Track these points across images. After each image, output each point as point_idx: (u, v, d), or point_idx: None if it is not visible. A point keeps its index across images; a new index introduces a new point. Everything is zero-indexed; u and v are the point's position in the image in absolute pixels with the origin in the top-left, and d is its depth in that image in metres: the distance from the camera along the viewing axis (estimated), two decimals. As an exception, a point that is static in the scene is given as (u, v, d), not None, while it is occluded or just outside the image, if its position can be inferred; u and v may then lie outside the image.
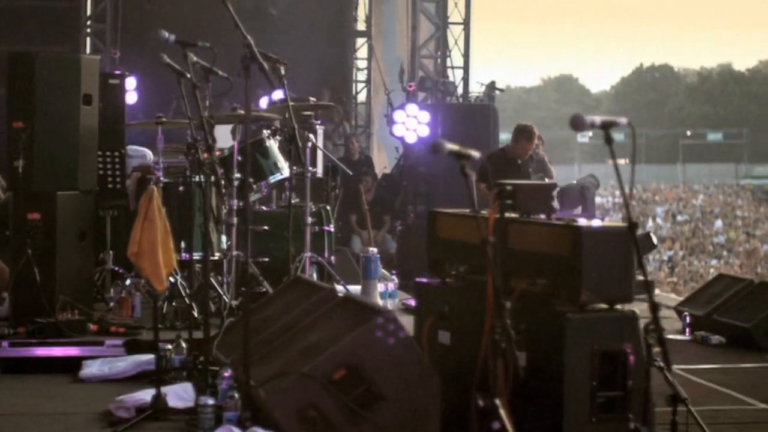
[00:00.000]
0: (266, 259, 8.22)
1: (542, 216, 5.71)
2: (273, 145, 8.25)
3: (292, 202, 8.69)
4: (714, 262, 33.41)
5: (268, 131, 8.23)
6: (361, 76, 21.10)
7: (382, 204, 15.07)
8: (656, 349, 5.46)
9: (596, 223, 5.41)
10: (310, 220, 7.95)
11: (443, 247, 6.30)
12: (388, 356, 5.33)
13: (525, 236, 5.61)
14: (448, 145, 4.27)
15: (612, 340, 5.25)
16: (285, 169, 8.22)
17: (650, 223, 44.40)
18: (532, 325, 5.39)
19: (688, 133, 73.04)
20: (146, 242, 6.05)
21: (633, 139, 3.96)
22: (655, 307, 4.19)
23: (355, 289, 8.40)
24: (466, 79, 17.96)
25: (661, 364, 5.60)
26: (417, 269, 10.28)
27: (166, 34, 6.24)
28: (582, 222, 5.38)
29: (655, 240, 15.98)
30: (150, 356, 6.86)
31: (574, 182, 15.46)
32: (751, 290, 11.63)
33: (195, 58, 6.08)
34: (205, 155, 5.86)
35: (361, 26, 20.98)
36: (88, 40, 17.15)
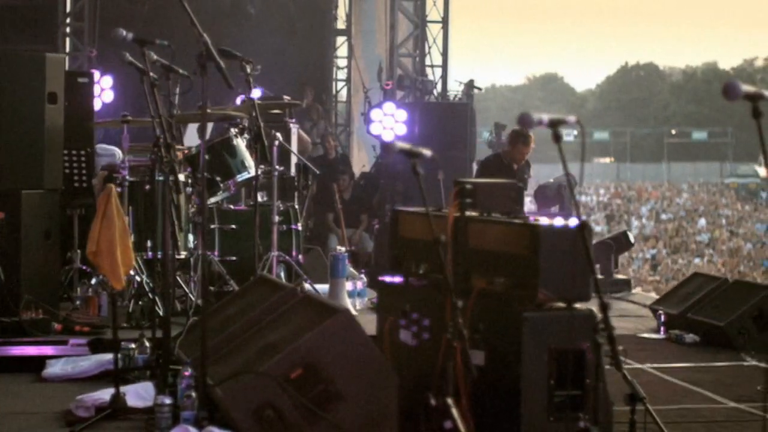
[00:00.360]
0: (234, 258, 8.20)
1: (503, 214, 5.68)
2: (240, 143, 8.22)
3: (263, 200, 8.69)
4: (697, 260, 33.46)
5: (236, 130, 8.20)
6: (342, 74, 21.08)
7: (360, 202, 15.05)
8: (620, 348, 5.45)
9: (555, 222, 5.39)
10: (277, 218, 7.92)
11: (405, 245, 6.28)
12: (346, 355, 5.31)
13: (485, 235, 5.59)
14: (399, 144, 4.25)
15: (569, 339, 5.23)
16: (252, 168, 8.19)
17: (635, 221, 44.48)
18: (490, 325, 5.37)
19: (673, 131, 73.16)
20: (104, 241, 6.03)
21: (583, 138, 3.93)
22: (604, 307, 4.16)
23: (323, 287, 8.38)
24: (444, 78, 17.96)
25: (620, 362, 5.60)
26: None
27: (123, 33, 6.22)
28: (540, 221, 5.36)
29: (631, 238, 16.00)
30: (110, 356, 6.82)
31: (551, 180, 15.47)
32: (725, 289, 11.64)
33: (155, 57, 6.05)
34: (165, 154, 5.82)
35: (341, 25, 20.95)
36: (68, 39, 17.10)
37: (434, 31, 17.91)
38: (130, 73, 9.40)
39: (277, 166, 8.03)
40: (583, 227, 4.33)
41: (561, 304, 5.34)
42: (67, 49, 16.85)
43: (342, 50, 20.96)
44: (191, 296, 7.65)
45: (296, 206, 8.56)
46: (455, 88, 17.63)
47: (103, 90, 14.70)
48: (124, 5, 17.17)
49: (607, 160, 71.13)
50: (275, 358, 5.29)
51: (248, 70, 7.45)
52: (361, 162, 18.77)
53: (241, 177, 8.14)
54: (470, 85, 17.53)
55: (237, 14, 17.52)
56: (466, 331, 4.48)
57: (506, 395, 5.27)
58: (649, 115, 75.70)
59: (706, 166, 66.77)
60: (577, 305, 5.34)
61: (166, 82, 6.11)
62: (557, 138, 3.93)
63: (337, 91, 20.93)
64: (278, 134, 8.21)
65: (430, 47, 17.89)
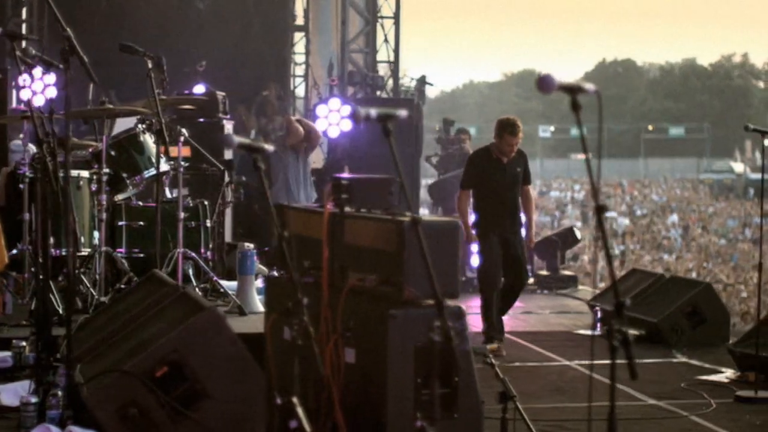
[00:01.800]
0: (141, 255, 8.13)
1: (380, 210, 5.62)
2: (148, 139, 8.14)
3: (174, 197, 8.66)
4: (665, 257, 33.45)
5: (143, 126, 8.12)
6: (299, 71, 21.02)
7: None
8: (494, 346, 5.40)
9: (422, 217, 5.31)
10: (183, 215, 7.84)
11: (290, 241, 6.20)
12: (212, 354, 5.26)
13: (359, 231, 5.53)
14: (237, 139, 4.17)
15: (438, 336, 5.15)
16: (161, 164, 8.11)
17: (608, 217, 44.48)
18: (360, 322, 5.31)
19: (650, 127, 73.28)
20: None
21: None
22: (441, 308, 4.09)
23: (232, 285, 8.31)
24: (396, 73, 17.88)
25: (493, 361, 5.57)
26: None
27: (-6, 27, 6.14)
28: (406, 217, 5.29)
29: (578, 234, 15.98)
30: (5, 353, 6.76)
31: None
32: (661, 285, 11.64)
33: (33, 51, 5.98)
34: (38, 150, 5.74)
35: (299, 21, 20.90)
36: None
37: (386, 27, 17.86)
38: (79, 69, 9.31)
39: (182, 163, 7.93)
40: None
41: (430, 302, 5.27)
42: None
43: (300, 46, 20.92)
44: (93, 293, 7.57)
45: (206, 202, 8.46)
46: (407, 84, 17.59)
47: (47, 86, 14.59)
48: (86, 8, 17.03)
49: (580, 156, 71.13)
50: (140, 356, 5.22)
51: (149, 65, 7.34)
52: (317, 159, 18.71)
53: (149, 173, 8.06)
54: (422, 81, 17.47)
55: (185, 10, 17.39)
56: (311, 330, 4.39)
57: (374, 394, 5.21)
58: (626, 111, 75.78)
59: (683, 162, 66.89)
60: (447, 302, 5.27)
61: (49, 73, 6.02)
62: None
63: (294, 87, 20.86)
64: (183, 130, 8.11)
65: (389, 43, 17.83)
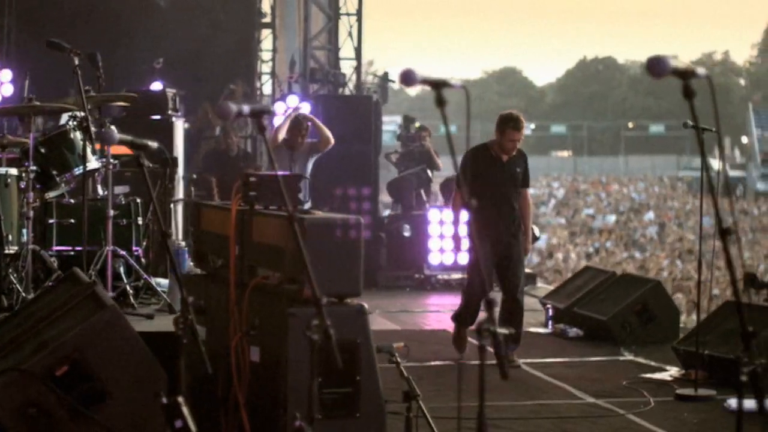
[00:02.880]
0: (71, 253, 8.07)
1: (284, 208, 5.57)
2: (78, 136, 8.07)
3: (122, 193, 8.59)
4: (638, 254, 33.49)
5: (74, 123, 8.05)
6: (266, 68, 20.96)
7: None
8: (399, 344, 5.37)
9: (323, 215, 5.29)
10: (113, 212, 7.79)
11: (205, 239, 6.19)
12: (113, 352, 5.21)
13: (265, 229, 5.50)
14: (117, 135, 4.13)
15: (339, 335, 5.11)
16: (92, 161, 8.05)
17: (585, 214, 44.57)
18: (264, 321, 5.27)
19: (631, 125, 73.41)
20: None
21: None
22: (318, 305, 4.04)
23: (165, 282, 8.26)
24: (358, 71, 17.85)
25: (399, 359, 5.53)
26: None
27: None
28: (312, 214, 5.26)
29: (537, 232, 15.92)
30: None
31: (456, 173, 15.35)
32: (612, 283, 11.62)
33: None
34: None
35: (266, 18, 20.84)
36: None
37: (350, 23, 17.82)
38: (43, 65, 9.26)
39: (113, 161, 7.86)
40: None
41: (333, 300, 5.24)
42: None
43: (267, 43, 20.85)
44: (20, 291, 7.51)
45: (138, 200, 8.40)
46: (369, 81, 17.55)
47: (2, 84, 14.60)
48: (47, 7, 16.93)
49: (565, 153, 71.35)
50: (40, 355, 5.18)
51: (76, 62, 7.28)
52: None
53: (79, 170, 8.00)
54: (385, 78, 17.46)
55: (146, 7, 17.31)
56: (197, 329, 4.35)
57: (276, 393, 5.17)
58: (607, 108, 75.92)
59: (664, 160, 67.03)
60: (349, 300, 5.25)
61: None
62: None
63: (261, 84, 20.79)
64: (113, 127, 8.04)
65: (352, 40, 17.81)
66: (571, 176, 60.33)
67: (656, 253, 34.17)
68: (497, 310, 8.51)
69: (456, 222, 9.60)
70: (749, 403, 8.22)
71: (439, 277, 14.68)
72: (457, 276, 14.80)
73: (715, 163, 58.58)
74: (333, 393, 5.12)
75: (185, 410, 4.26)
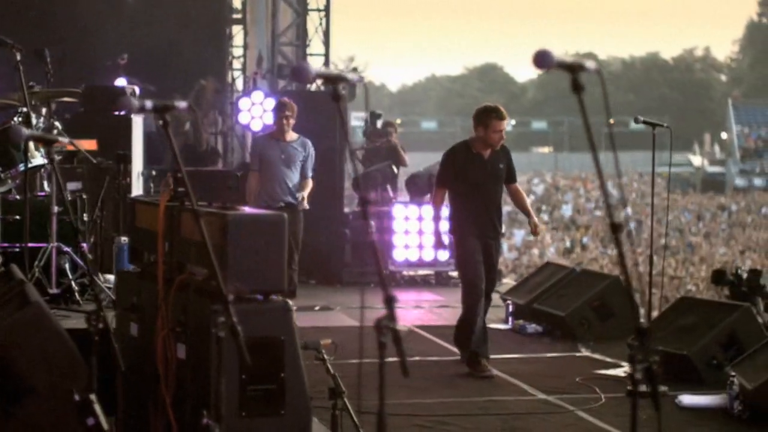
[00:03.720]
0: (17, 249, 8.04)
1: (214, 204, 5.55)
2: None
3: (74, 189, 8.55)
4: (609, 251, 33.55)
5: (19, 118, 8.01)
6: (237, 64, 20.91)
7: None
8: (327, 341, 5.35)
9: (248, 211, 5.26)
10: (56, 209, 7.76)
11: (139, 235, 6.14)
12: (37, 349, 5.17)
13: (193, 225, 5.45)
14: (26, 132, 4.10)
15: (263, 331, 5.10)
16: (38, 157, 8.01)
17: (564, 210, 44.66)
18: (190, 317, 5.24)
19: (611, 121, 73.38)
20: None
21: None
22: (226, 302, 4.02)
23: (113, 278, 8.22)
24: (326, 66, 17.80)
25: (326, 356, 5.51)
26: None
27: None
28: (233, 210, 5.23)
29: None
30: None
31: (422, 170, 15.34)
32: (572, 278, 11.62)
33: None
34: None
35: (237, 14, 20.81)
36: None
37: (319, 19, 17.78)
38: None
39: (57, 156, 7.82)
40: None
41: (258, 296, 5.22)
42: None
43: (238, 39, 20.81)
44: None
45: (84, 196, 8.36)
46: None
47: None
48: (13, 8, 16.83)
49: (546, 149, 71.34)
50: (-37, 352, 5.14)
51: (18, 57, 7.25)
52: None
53: (23, 167, 7.95)
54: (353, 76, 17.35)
55: (113, 3, 17.25)
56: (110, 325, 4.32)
57: (200, 391, 5.13)
58: (588, 104, 75.83)
59: (644, 156, 67.07)
60: (274, 297, 5.22)
61: None
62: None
63: (234, 80, 20.74)
64: (57, 123, 8.02)
65: (319, 35, 17.76)
66: (551, 172, 60.35)
67: (634, 249, 34.21)
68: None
69: (437, 218, 9.31)
70: (704, 399, 8.25)
71: (404, 273, 14.67)
72: (422, 272, 14.82)
73: (695, 159, 58.59)
74: (257, 390, 5.08)
75: (97, 408, 4.25)
